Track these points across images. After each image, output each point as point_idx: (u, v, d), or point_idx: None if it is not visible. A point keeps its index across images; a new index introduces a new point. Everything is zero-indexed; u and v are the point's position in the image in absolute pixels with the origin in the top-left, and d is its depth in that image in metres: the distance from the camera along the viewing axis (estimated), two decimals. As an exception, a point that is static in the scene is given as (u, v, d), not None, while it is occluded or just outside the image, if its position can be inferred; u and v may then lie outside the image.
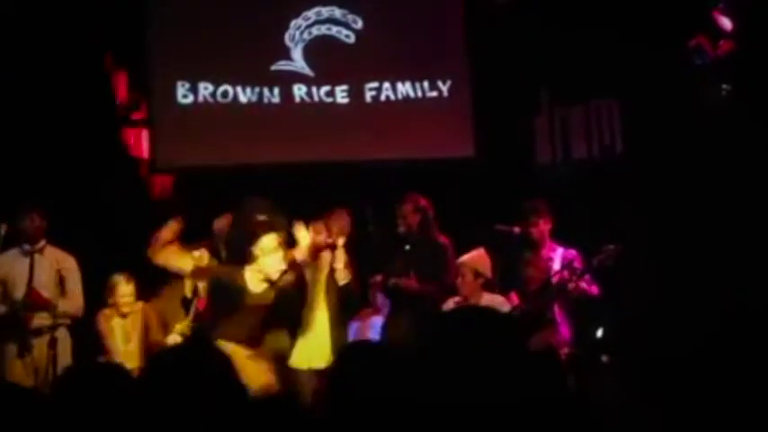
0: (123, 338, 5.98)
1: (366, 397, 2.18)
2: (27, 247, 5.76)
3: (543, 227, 6.02)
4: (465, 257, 5.73)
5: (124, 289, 5.95)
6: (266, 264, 5.26)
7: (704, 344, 2.61)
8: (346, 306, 5.71)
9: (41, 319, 5.64)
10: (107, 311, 5.99)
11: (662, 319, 5.99)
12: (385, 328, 6.12)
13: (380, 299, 6.34)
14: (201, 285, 5.85)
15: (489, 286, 5.71)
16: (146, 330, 6.01)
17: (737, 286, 5.94)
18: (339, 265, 5.50)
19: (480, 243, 5.87)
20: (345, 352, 2.51)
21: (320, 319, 5.69)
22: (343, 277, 5.55)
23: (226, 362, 2.20)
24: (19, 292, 5.67)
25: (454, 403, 2.13)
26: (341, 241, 5.56)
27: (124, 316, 5.98)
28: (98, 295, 6.02)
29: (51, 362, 5.45)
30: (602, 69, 7.33)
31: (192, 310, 5.93)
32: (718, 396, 2.37)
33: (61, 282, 5.69)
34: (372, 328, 6.28)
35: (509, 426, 2.07)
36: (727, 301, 5.66)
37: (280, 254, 5.27)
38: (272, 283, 5.29)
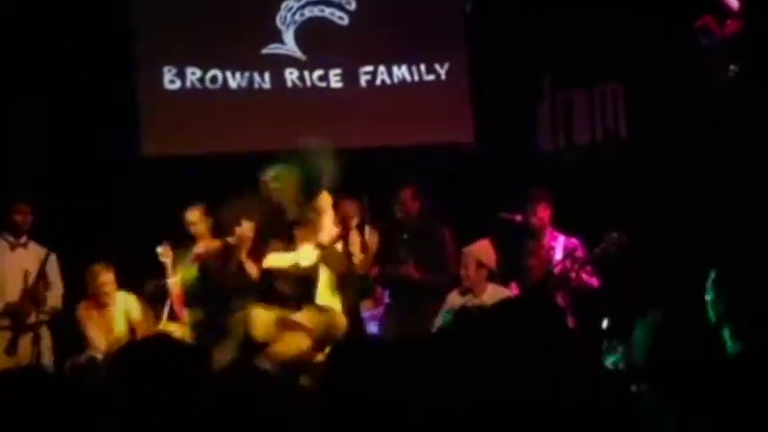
0: (105, 329, 5.99)
1: (358, 394, 2.19)
2: (11, 239, 5.77)
3: (542, 214, 6.03)
4: (469, 247, 5.73)
5: (104, 278, 5.99)
6: None
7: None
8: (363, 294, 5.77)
9: (30, 317, 5.67)
10: (86, 303, 6.02)
11: (666, 310, 6.00)
12: (384, 318, 6.14)
13: (380, 290, 6.37)
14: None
15: (493, 277, 5.70)
16: (128, 318, 6.04)
17: (744, 275, 5.94)
18: (355, 248, 5.54)
19: (481, 231, 5.87)
20: (339, 347, 2.51)
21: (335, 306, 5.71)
22: (360, 266, 5.59)
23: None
24: (9, 287, 5.70)
25: (459, 401, 2.13)
26: (353, 222, 5.60)
27: (104, 306, 5.99)
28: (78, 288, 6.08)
29: (35, 358, 5.48)
30: (606, 52, 7.33)
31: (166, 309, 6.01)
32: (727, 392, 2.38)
33: (45, 281, 5.72)
34: (372, 319, 6.31)
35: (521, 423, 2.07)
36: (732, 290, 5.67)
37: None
38: None
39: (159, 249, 6.05)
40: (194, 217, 6.04)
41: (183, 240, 6.09)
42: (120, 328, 6.06)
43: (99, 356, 5.79)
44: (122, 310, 6.08)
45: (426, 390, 2.22)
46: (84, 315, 6.00)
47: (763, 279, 5.81)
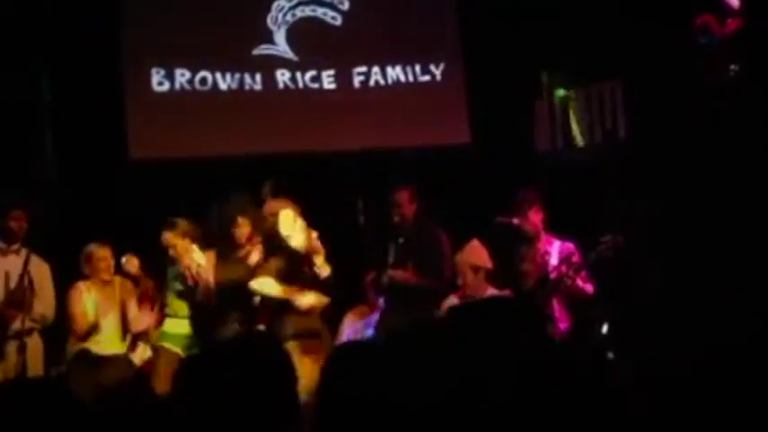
0: (98, 312, 5.93)
1: (357, 399, 2.17)
2: (3, 245, 5.75)
3: (534, 218, 5.99)
4: (460, 254, 5.68)
5: (100, 253, 5.97)
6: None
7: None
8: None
9: (15, 323, 5.62)
10: (81, 283, 6.00)
11: (666, 313, 6.00)
12: (379, 325, 6.10)
13: (375, 295, 6.34)
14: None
15: (491, 277, 5.63)
16: (122, 307, 5.99)
17: (743, 277, 5.94)
18: (318, 260, 5.50)
19: (478, 234, 5.84)
20: (337, 353, 2.48)
21: None
22: (324, 272, 5.55)
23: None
24: None
25: (457, 404, 2.12)
26: (314, 235, 5.56)
27: (105, 283, 5.96)
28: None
29: (21, 368, 5.44)
30: (605, 50, 7.32)
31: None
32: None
33: (31, 285, 5.67)
34: (368, 326, 6.27)
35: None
36: (732, 293, 5.68)
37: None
38: None
39: (123, 260, 6.02)
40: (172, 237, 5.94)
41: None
42: (115, 315, 5.97)
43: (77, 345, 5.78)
44: (119, 297, 6.02)
45: (423, 390, 2.21)
46: (75, 296, 5.94)
47: (763, 278, 5.82)
